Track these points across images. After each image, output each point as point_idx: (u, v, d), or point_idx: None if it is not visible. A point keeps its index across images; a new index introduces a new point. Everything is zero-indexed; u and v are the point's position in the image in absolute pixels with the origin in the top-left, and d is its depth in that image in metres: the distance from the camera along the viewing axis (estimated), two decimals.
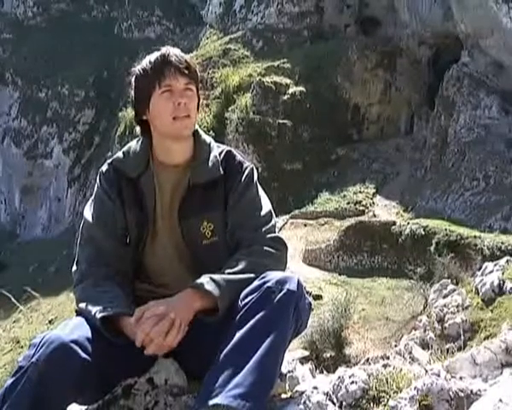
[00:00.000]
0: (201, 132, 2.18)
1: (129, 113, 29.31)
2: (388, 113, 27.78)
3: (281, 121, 26.04)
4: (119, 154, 2.16)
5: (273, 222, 2.09)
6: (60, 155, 35.89)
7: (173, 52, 2.06)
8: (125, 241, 2.08)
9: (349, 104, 27.48)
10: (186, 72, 2.04)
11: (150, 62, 2.06)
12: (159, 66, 2.03)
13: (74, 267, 2.10)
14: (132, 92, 2.12)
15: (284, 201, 22.30)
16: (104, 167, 2.14)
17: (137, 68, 2.10)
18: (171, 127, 2.03)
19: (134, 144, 2.16)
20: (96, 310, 1.88)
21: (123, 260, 2.07)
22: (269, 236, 2.03)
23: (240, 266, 1.91)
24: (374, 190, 22.84)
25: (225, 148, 2.18)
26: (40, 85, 37.39)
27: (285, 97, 26.69)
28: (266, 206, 2.10)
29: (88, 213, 2.12)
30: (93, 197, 2.14)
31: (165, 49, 2.07)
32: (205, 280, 1.87)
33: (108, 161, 2.16)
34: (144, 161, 2.11)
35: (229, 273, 1.89)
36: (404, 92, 27.87)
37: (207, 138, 2.17)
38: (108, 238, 2.07)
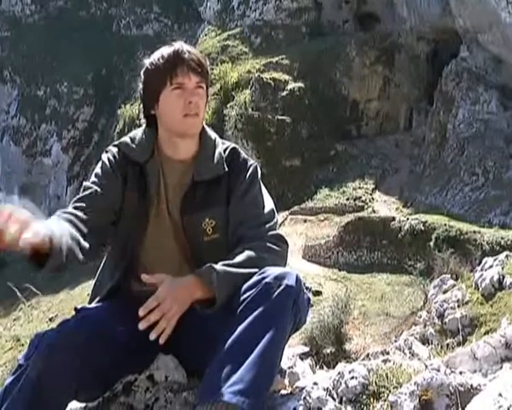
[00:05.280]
0: (207, 129, 2.17)
1: (128, 110, 29.30)
2: (387, 108, 27.75)
3: (280, 117, 26.03)
4: (126, 138, 2.14)
5: (275, 220, 2.08)
6: (59, 152, 35.84)
7: (186, 49, 2.03)
8: (109, 225, 2.03)
9: (348, 100, 27.45)
10: (199, 70, 2.03)
11: (163, 58, 2.03)
12: (171, 62, 2.01)
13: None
14: (141, 86, 2.11)
15: (284, 197, 22.30)
16: (110, 147, 2.13)
17: (148, 62, 2.07)
18: (180, 125, 2.03)
19: (140, 133, 2.15)
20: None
21: (95, 240, 1.98)
22: (270, 233, 2.03)
23: (241, 260, 1.91)
24: (373, 186, 22.83)
25: (230, 145, 2.17)
26: (39, 83, 37.33)
27: (284, 93, 26.67)
28: (269, 204, 2.10)
29: (87, 182, 2.10)
30: (95, 170, 2.12)
31: (178, 45, 2.04)
32: (208, 270, 1.86)
33: (115, 143, 2.15)
34: (150, 150, 2.10)
35: (229, 265, 1.89)
36: (402, 88, 27.84)
37: (213, 135, 2.17)
38: (95, 212, 1.99)
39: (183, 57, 2.01)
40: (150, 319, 1.76)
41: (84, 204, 2.00)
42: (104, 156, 2.12)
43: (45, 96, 37.13)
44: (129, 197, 2.04)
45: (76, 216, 1.96)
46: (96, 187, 2.04)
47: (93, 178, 2.09)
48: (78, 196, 2.06)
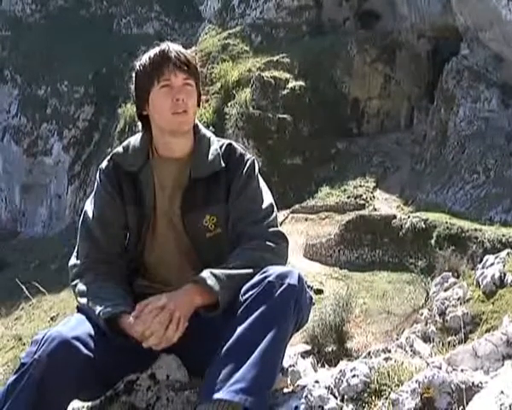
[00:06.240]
0: (201, 127, 2.18)
1: (128, 109, 29.28)
2: (388, 107, 27.73)
3: (280, 116, 26.00)
4: (119, 148, 2.16)
5: (274, 215, 2.08)
6: (60, 152, 35.80)
7: (172, 48, 2.06)
8: (124, 242, 2.09)
9: (348, 98, 27.42)
10: (185, 67, 2.04)
11: (150, 58, 2.06)
12: (158, 61, 2.04)
13: (73, 260, 2.10)
14: (133, 87, 2.13)
15: (285, 195, 22.28)
16: (104, 164, 2.15)
17: (137, 64, 2.10)
18: (169, 122, 2.04)
19: (134, 139, 2.17)
20: (99, 309, 1.88)
21: (122, 259, 2.08)
22: (270, 230, 2.02)
23: (241, 261, 1.91)
24: (374, 184, 22.81)
25: (226, 141, 2.18)
26: (39, 82, 37.31)
27: (284, 92, 26.65)
28: (268, 199, 2.10)
29: (88, 209, 2.12)
30: (93, 194, 2.15)
31: (164, 45, 2.07)
32: (206, 275, 1.87)
33: (108, 157, 2.17)
34: (144, 155, 2.11)
35: (230, 268, 1.89)
36: (403, 86, 27.81)
37: (207, 133, 2.18)
38: (109, 239, 2.07)
39: (169, 55, 2.04)
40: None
41: (100, 251, 2.07)
42: (98, 178, 2.14)
43: (46, 96, 37.09)
44: (130, 211, 2.07)
45: (108, 266, 2.06)
46: (100, 224, 2.09)
47: (93, 209, 2.11)
48: (85, 239, 2.11)
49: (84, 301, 1.97)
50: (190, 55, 2.10)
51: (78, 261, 2.08)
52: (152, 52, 2.08)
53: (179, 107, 2.02)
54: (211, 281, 1.84)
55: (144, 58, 2.09)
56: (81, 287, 2.01)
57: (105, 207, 2.09)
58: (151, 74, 2.04)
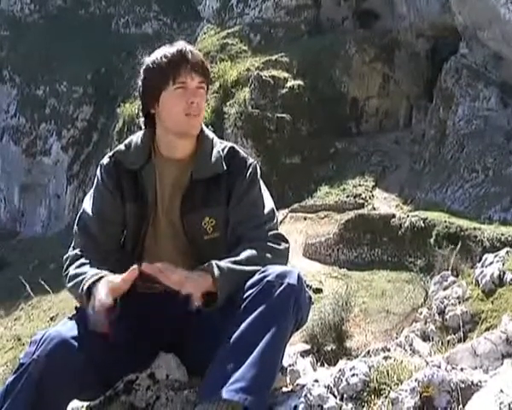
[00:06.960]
0: (204, 128, 2.17)
1: (127, 109, 29.26)
2: (387, 106, 27.72)
3: (279, 115, 25.99)
4: (121, 146, 2.15)
5: (275, 220, 2.08)
6: (58, 152, 35.78)
7: (189, 49, 2.03)
8: (120, 241, 2.08)
9: (347, 98, 27.41)
10: (201, 70, 2.03)
11: (166, 57, 2.02)
12: (175, 61, 2.00)
13: (67, 254, 2.09)
14: (141, 84, 2.09)
15: (284, 195, 22.29)
16: (105, 160, 2.13)
17: (150, 61, 2.06)
18: (182, 125, 2.02)
19: (136, 137, 2.15)
20: (84, 280, 1.89)
21: (118, 254, 2.07)
22: (271, 233, 2.02)
23: (243, 258, 1.91)
24: (373, 183, 22.81)
25: (228, 144, 2.17)
26: (38, 82, 37.28)
27: (283, 91, 26.64)
28: (269, 204, 2.10)
29: (87, 205, 2.11)
30: (93, 189, 2.14)
31: (181, 45, 2.04)
32: (211, 265, 1.87)
33: (109, 153, 2.16)
34: (146, 153, 2.10)
35: (232, 262, 1.89)
36: (402, 85, 27.81)
37: (210, 134, 2.17)
38: (107, 236, 2.07)
39: (187, 57, 2.01)
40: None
41: (97, 247, 2.06)
42: (99, 175, 2.12)
43: (45, 96, 37.06)
44: (129, 209, 2.06)
45: (103, 259, 2.03)
46: (98, 221, 2.08)
47: (92, 206, 2.10)
48: (82, 233, 2.10)
49: (71, 283, 1.96)
50: (204, 58, 2.09)
51: (73, 252, 2.07)
52: (168, 50, 2.03)
53: (193, 110, 2.01)
54: (214, 270, 1.85)
55: (159, 55, 2.04)
56: (72, 271, 1.99)
57: (104, 205, 2.08)
58: (167, 73, 2.00)
